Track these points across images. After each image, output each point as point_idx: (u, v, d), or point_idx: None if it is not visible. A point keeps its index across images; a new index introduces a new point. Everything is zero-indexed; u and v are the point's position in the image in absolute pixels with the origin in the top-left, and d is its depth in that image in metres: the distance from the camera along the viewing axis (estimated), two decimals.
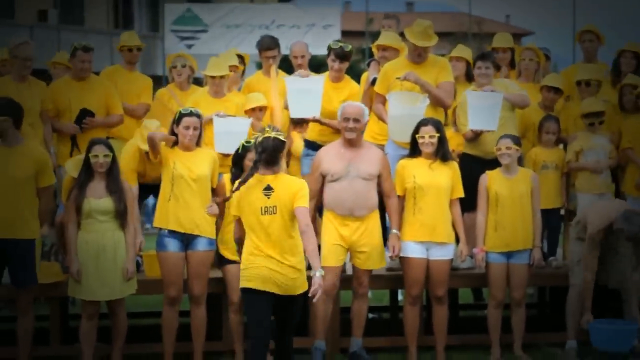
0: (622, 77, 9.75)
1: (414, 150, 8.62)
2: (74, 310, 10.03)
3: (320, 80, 9.25)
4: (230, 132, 8.85)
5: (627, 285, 8.72)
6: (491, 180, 8.77)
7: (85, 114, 9.29)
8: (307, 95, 9.11)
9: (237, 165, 8.35)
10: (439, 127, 8.58)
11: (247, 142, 8.27)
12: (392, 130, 8.99)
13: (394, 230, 8.58)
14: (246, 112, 9.22)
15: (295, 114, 9.16)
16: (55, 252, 9.19)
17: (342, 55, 9.28)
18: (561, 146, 9.76)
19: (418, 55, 8.99)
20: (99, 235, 8.10)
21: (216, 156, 8.55)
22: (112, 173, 8.16)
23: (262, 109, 9.31)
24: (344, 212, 8.45)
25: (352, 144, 8.55)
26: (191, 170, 8.27)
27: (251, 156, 8.03)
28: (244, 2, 30.69)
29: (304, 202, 7.01)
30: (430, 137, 8.50)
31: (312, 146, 9.33)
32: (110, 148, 8.20)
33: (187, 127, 8.26)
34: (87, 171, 8.17)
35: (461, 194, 8.66)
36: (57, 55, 10.71)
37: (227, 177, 8.47)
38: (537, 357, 8.96)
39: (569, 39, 22.97)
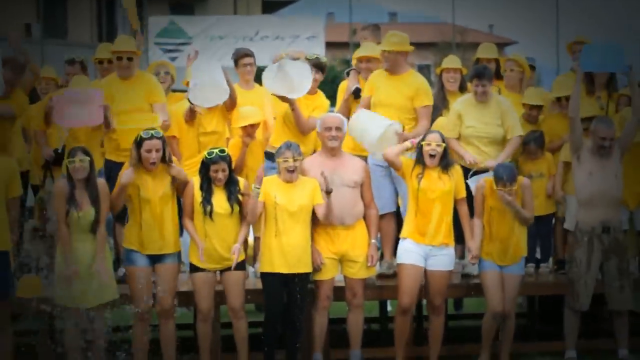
0: (596, 87, 9.70)
1: (419, 161, 8.54)
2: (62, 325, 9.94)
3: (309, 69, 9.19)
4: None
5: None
6: (487, 190, 8.66)
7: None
8: (294, 78, 9.10)
9: (204, 176, 8.30)
10: (444, 138, 8.58)
11: (210, 153, 8.28)
12: (354, 127, 8.96)
13: (373, 241, 8.59)
14: (241, 128, 9.17)
15: (276, 90, 9.14)
16: (38, 267, 9.07)
17: (318, 65, 9.38)
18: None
19: (390, 65, 9.09)
20: (79, 244, 8.07)
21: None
22: (90, 180, 8.11)
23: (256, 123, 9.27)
24: (333, 221, 8.44)
25: (333, 153, 8.61)
26: (154, 192, 8.23)
27: (215, 167, 8.11)
28: (228, 13, 30.67)
29: None
30: (437, 145, 8.47)
31: (273, 158, 8.95)
32: (87, 153, 8.12)
33: (149, 151, 8.22)
34: (70, 181, 8.12)
35: (464, 194, 8.61)
36: (43, 70, 10.50)
37: (196, 180, 8.35)
38: None
39: (553, 49, 23.06)
